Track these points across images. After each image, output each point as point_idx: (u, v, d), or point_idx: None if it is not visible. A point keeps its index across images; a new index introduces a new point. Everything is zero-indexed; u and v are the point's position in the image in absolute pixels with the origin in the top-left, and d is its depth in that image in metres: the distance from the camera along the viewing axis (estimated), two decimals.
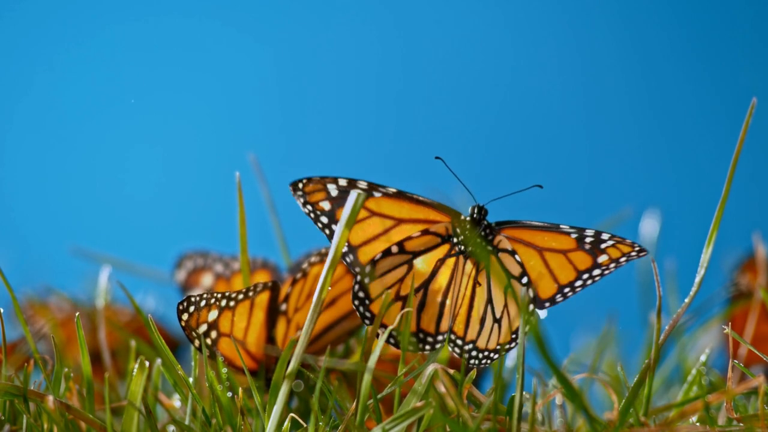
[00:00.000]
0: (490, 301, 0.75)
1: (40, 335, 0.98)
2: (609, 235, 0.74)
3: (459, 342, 0.75)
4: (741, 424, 0.71)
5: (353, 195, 0.70)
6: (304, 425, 0.75)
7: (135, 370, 0.72)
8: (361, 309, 0.75)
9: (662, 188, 1.76)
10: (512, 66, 1.81)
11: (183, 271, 0.92)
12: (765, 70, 1.74)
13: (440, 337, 0.76)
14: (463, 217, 0.75)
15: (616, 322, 0.97)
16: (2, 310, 0.76)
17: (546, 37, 1.80)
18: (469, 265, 0.75)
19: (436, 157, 0.76)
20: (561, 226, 0.75)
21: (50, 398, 0.72)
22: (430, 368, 0.70)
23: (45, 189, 1.83)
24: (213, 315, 0.77)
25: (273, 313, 0.79)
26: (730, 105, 1.74)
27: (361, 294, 0.75)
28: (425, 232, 0.75)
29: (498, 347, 0.75)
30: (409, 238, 0.75)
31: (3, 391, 0.72)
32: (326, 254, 0.80)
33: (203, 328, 0.76)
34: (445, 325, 0.75)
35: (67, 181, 1.82)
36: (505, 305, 0.75)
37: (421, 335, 0.76)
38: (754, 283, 0.97)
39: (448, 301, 0.75)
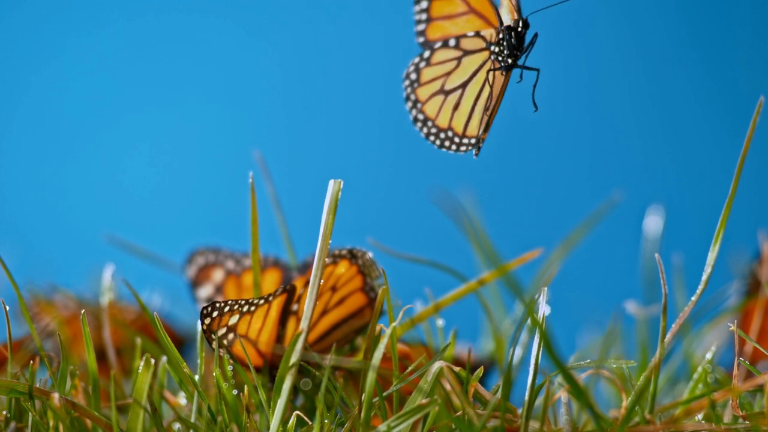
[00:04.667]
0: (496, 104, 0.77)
1: (45, 333, 0.98)
2: None
3: (465, 141, 0.77)
4: (747, 422, 0.71)
5: (331, 183, 0.73)
6: (310, 423, 0.75)
7: (140, 367, 0.72)
8: (408, 91, 0.76)
9: (670, 184, 1.76)
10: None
11: (194, 266, 0.92)
12: None
13: (465, 140, 0.76)
14: (504, 29, 0.76)
15: (621, 320, 0.97)
16: (8, 308, 0.76)
17: (546, 35, 1.79)
18: (497, 76, 0.76)
19: None
20: None
21: (56, 396, 0.72)
22: (436, 366, 0.70)
23: (50, 187, 1.83)
24: (234, 319, 0.77)
25: (285, 314, 0.79)
26: (738, 102, 1.74)
27: (413, 76, 0.76)
28: (477, 34, 0.76)
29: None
30: (465, 35, 0.76)
31: (9, 389, 0.72)
32: (338, 256, 0.80)
33: (222, 330, 0.77)
34: (472, 129, 0.76)
35: (72, 179, 1.82)
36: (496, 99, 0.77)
37: (450, 133, 0.77)
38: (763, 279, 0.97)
39: (477, 107, 0.76)
